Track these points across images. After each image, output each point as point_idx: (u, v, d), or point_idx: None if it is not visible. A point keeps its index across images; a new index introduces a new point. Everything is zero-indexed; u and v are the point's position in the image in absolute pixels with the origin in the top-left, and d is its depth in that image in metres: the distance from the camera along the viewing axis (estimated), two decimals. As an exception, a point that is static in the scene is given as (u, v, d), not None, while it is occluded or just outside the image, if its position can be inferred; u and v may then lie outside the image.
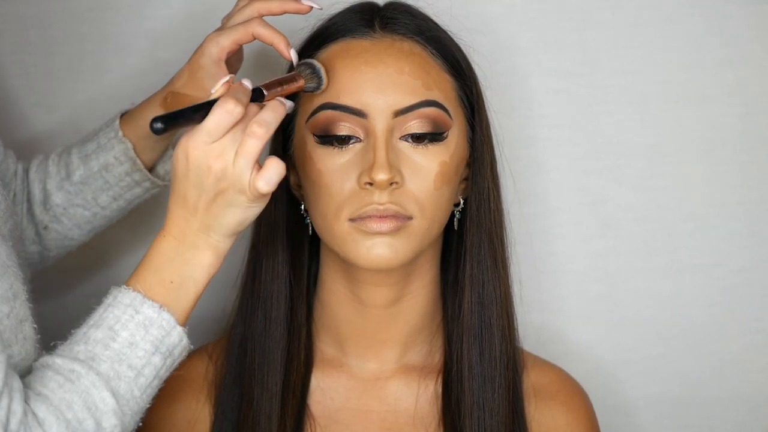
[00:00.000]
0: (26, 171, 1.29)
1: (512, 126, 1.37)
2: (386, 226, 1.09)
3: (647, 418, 1.49)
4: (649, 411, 1.49)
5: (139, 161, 1.23)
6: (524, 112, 1.44)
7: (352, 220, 1.09)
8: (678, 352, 1.48)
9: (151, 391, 0.96)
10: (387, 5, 1.19)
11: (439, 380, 1.19)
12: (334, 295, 1.19)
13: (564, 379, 1.24)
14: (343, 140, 1.11)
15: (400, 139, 1.11)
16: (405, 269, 1.16)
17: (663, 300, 1.47)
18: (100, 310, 0.96)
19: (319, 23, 1.19)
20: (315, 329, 1.22)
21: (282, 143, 1.18)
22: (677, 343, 1.48)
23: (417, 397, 1.19)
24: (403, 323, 1.19)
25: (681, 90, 1.44)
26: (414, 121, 1.10)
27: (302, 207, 1.17)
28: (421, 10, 1.20)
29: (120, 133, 1.23)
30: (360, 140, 1.11)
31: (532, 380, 1.21)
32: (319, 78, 1.11)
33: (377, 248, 1.09)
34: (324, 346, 1.21)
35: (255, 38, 1.17)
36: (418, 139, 1.11)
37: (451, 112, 1.13)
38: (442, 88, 1.14)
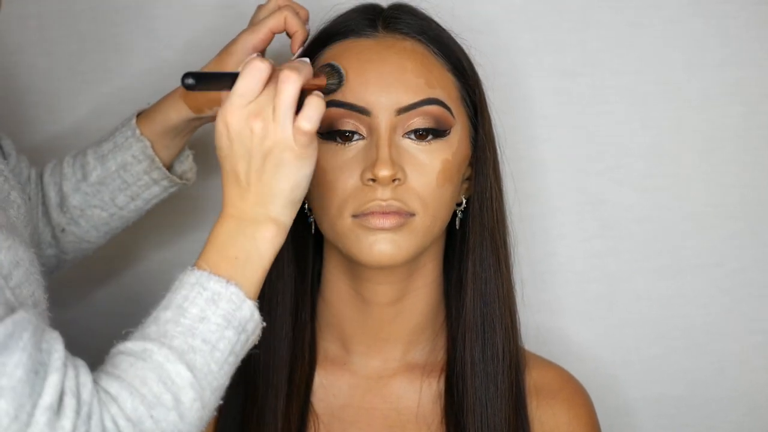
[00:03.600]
0: (40, 175, 1.29)
1: (512, 126, 1.37)
2: (389, 222, 1.09)
3: (647, 418, 1.49)
4: (648, 411, 1.49)
5: (157, 159, 1.23)
6: (524, 112, 1.44)
7: (355, 216, 1.10)
8: (678, 352, 1.48)
9: (228, 368, 0.94)
10: (390, 6, 1.21)
11: (442, 378, 1.20)
12: (338, 293, 1.19)
13: (565, 378, 1.24)
14: (347, 137, 1.11)
15: (403, 136, 1.11)
16: (408, 267, 1.16)
17: (663, 300, 1.47)
18: (168, 294, 0.94)
19: (323, 24, 1.20)
20: (319, 327, 1.22)
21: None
22: (677, 343, 1.48)
23: (420, 395, 1.19)
24: (406, 321, 1.19)
25: (681, 90, 1.44)
26: (417, 119, 1.11)
27: (305, 206, 1.18)
28: (423, 11, 1.21)
29: (137, 132, 1.23)
30: (363, 137, 1.11)
31: (533, 379, 1.21)
32: (340, 77, 1.11)
33: (380, 244, 1.09)
34: (327, 344, 1.22)
35: (285, 27, 1.18)
36: (420, 136, 1.11)
37: (454, 111, 1.14)
38: (445, 86, 1.14)
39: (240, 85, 0.94)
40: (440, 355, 1.21)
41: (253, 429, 1.18)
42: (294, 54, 1.18)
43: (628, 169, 1.45)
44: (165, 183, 1.26)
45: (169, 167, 1.27)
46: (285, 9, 1.18)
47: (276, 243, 0.98)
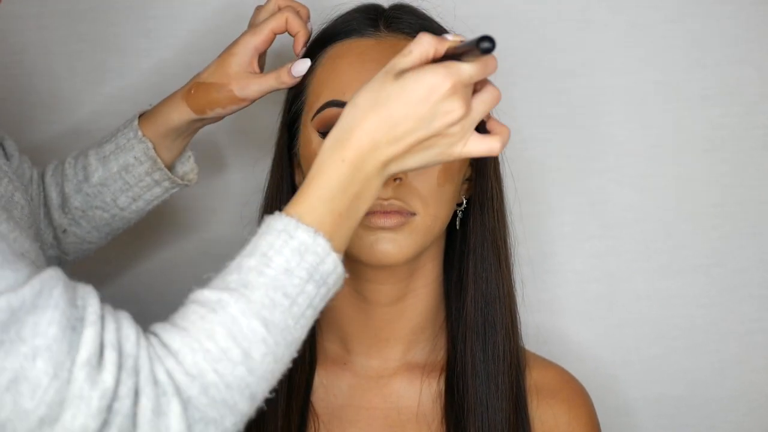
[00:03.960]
0: (41, 176, 1.28)
1: (512, 126, 1.35)
2: (390, 221, 1.09)
3: (647, 418, 1.49)
4: (648, 411, 1.49)
5: (159, 160, 1.23)
6: (524, 112, 1.44)
7: (356, 215, 1.09)
8: (678, 352, 1.48)
9: (305, 322, 0.90)
10: (392, 6, 1.21)
11: (442, 378, 1.20)
12: (339, 293, 1.18)
13: (565, 378, 1.24)
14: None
15: (404, 135, 1.11)
16: (408, 267, 1.16)
17: (663, 300, 1.47)
18: (253, 239, 0.90)
19: (324, 24, 1.21)
20: (319, 327, 1.22)
21: (287, 142, 1.19)
22: (677, 343, 1.48)
23: (420, 395, 1.19)
24: (406, 321, 1.19)
25: (681, 90, 1.44)
26: (418, 118, 1.10)
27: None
28: (424, 11, 1.21)
29: (139, 133, 1.22)
30: (364, 137, 1.11)
31: (534, 378, 1.21)
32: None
33: (381, 244, 1.09)
34: (328, 344, 1.22)
35: (287, 28, 1.18)
36: (422, 135, 1.11)
37: (455, 111, 1.13)
38: (446, 86, 1.14)
39: (478, 69, 0.89)
40: (440, 355, 1.21)
41: (253, 428, 1.17)
42: (297, 54, 1.18)
43: (628, 169, 1.46)
44: (167, 184, 1.25)
45: (171, 168, 1.27)
46: (286, 10, 1.18)
47: (371, 204, 0.93)
